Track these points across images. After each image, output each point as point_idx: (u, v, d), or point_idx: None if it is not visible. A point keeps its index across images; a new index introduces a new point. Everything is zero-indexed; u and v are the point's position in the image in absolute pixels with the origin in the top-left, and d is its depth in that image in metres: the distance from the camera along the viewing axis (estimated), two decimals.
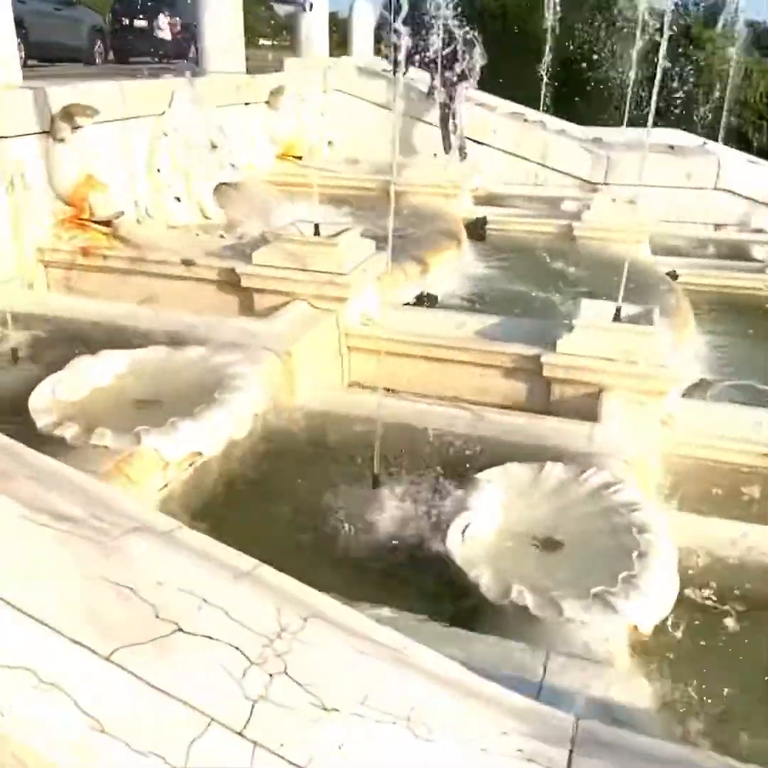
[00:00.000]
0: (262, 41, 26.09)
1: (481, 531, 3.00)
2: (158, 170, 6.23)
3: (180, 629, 1.48)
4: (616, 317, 4.30)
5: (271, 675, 1.44)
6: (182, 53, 14.50)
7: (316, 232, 4.74)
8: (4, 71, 4.92)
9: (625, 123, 10.08)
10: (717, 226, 10.67)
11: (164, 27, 13.42)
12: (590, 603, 2.61)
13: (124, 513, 1.75)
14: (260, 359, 3.84)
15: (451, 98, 9.76)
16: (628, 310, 4.37)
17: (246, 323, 4.25)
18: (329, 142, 10.06)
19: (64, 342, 4.00)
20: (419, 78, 11.77)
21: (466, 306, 5.45)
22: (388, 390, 4.82)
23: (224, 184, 6.78)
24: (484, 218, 7.89)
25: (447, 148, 10.16)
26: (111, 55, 15.23)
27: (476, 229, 7.78)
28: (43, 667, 1.37)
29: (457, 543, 2.91)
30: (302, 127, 9.01)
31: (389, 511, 3.21)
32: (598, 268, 6.85)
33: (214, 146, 6.64)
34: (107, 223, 5.12)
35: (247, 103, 8.05)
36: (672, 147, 13.27)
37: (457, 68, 9.54)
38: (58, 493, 1.71)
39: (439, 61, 9.55)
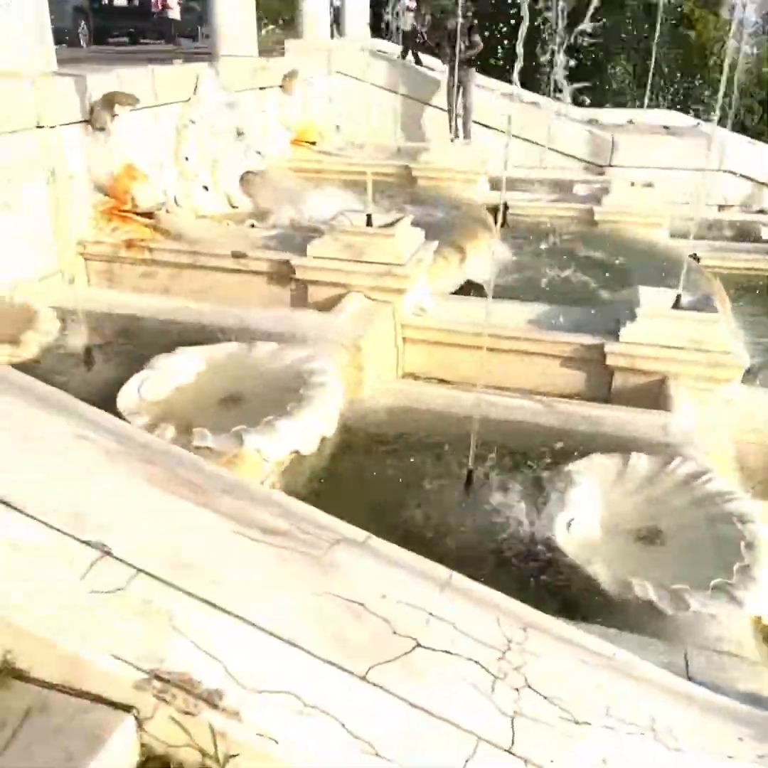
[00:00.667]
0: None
1: (585, 525, 3.02)
2: (186, 158, 6.11)
3: (419, 644, 1.47)
4: (677, 304, 4.32)
5: (516, 689, 1.43)
6: (185, 33, 14.33)
7: (369, 223, 4.69)
8: (41, 58, 4.77)
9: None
10: (721, 207, 10.78)
11: (174, 6, 13.13)
12: (712, 595, 2.64)
13: (319, 523, 1.73)
14: (333, 354, 3.80)
15: (461, 79, 9.65)
16: (687, 297, 4.39)
17: (310, 317, 4.20)
18: (337, 127, 9.93)
19: (128, 339, 3.93)
20: (425, 60, 11.66)
21: (508, 294, 5.42)
22: (442, 381, 4.85)
23: (249, 172, 6.66)
24: (506, 203, 7.85)
25: (454, 130, 10.11)
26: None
27: (498, 215, 7.75)
28: (304, 691, 1.34)
29: (566, 538, 2.92)
30: (312, 111, 8.89)
31: (486, 506, 3.21)
32: (624, 252, 6.90)
33: (239, 133, 6.52)
34: (148, 215, 5.02)
35: (262, 88, 7.91)
36: (667, 128, 13.36)
37: (466, 48, 9.44)
38: (254, 505, 1.68)
39: (448, 40, 9.44)
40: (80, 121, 4.81)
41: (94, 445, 1.73)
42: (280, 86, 8.24)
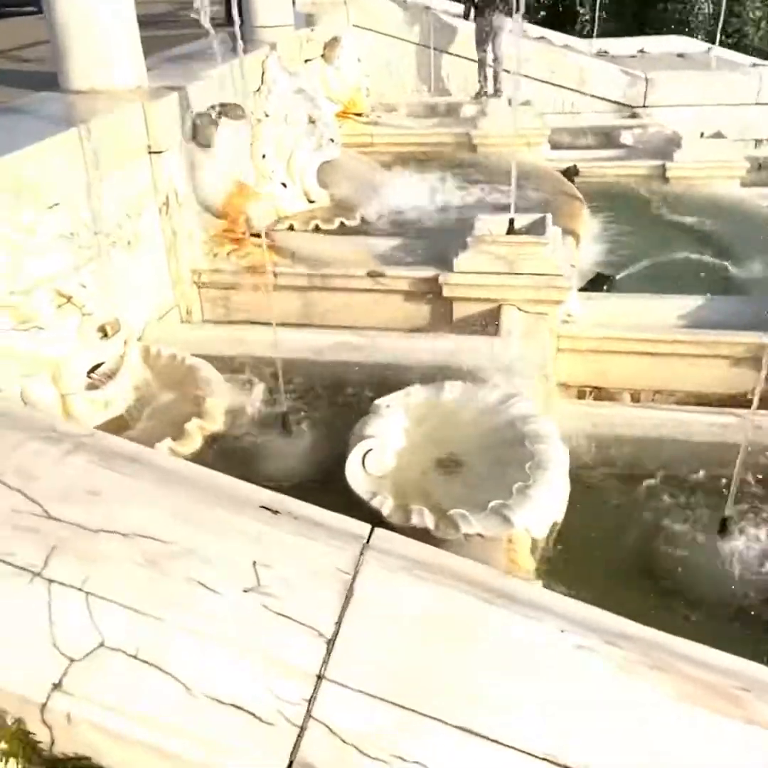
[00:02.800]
0: None
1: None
2: (263, 156, 5.68)
3: None
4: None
5: None
6: None
7: (511, 228, 4.39)
8: (133, 72, 4.31)
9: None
10: (758, 143, 10.54)
11: None
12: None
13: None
14: (525, 388, 3.58)
15: (493, 26, 9.10)
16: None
17: (480, 344, 3.93)
18: (366, 90, 9.39)
19: (303, 391, 3.64)
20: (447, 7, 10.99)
21: (635, 284, 5.19)
22: (595, 389, 4.66)
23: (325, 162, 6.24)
24: (575, 167, 7.53)
25: (484, 83, 9.63)
26: None
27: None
28: None
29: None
30: (350, 78, 8.36)
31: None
32: (717, 216, 6.67)
33: (311, 121, 6.07)
34: (259, 234, 4.66)
35: (307, 61, 7.39)
36: (682, 56, 12.95)
37: None
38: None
39: None
40: (184, 141, 4.40)
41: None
42: (322, 56, 7.71)
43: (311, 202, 6.20)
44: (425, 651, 1.35)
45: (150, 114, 4.00)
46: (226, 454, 3.26)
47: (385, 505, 2.80)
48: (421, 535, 2.75)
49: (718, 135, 8.25)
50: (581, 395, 4.57)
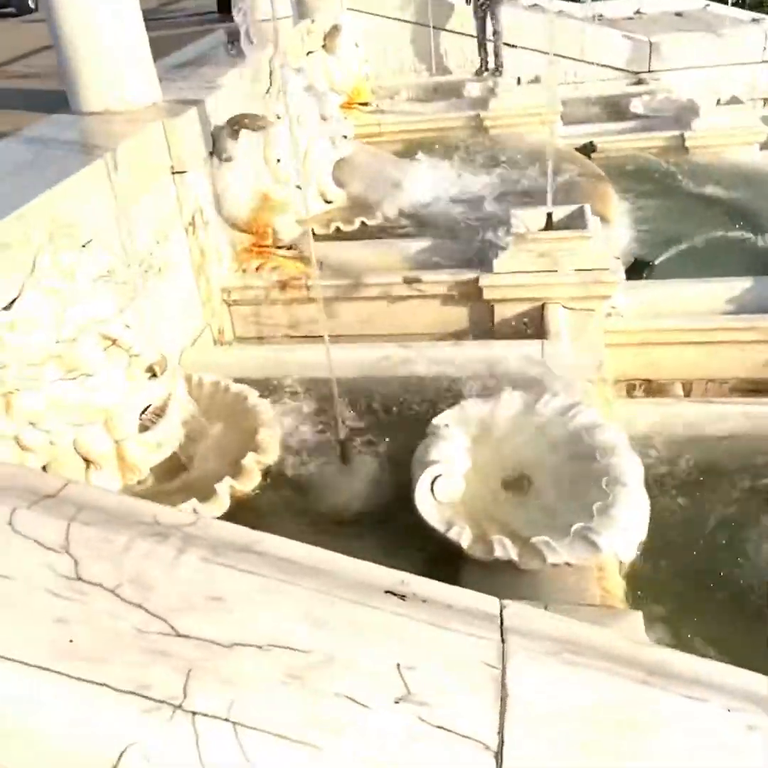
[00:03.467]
0: None
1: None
2: (278, 160, 5.52)
3: None
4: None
5: None
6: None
7: (549, 221, 4.25)
8: (148, 88, 4.15)
9: None
10: (766, 102, 10.34)
11: None
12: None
13: None
14: (582, 393, 3.47)
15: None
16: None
17: (528, 349, 3.82)
18: (366, 76, 9.16)
19: (349, 408, 3.53)
20: None
21: (672, 268, 5.04)
22: (645, 381, 4.54)
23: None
24: (592, 143, 7.35)
25: (484, 58, 9.41)
26: None
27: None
28: None
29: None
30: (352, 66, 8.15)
31: None
32: (744, 186, 6.50)
33: (323, 118, 5.89)
34: (289, 246, 4.53)
35: (309, 53, 7.19)
36: (679, 14, 12.65)
37: None
38: None
39: None
40: (206, 156, 4.26)
41: None
42: (322, 46, 7.50)
43: (328, 202, 6.04)
44: (595, 754, 1.26)
45: (171, 133, 3.85)
46: (285, 488, 3.17)
47: (464, 537, 2.71)
48: (504, 567, 2.66)
49: (734, 100, 8.07)
50: (630, 390, 4.46)
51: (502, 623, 1.51)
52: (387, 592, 1.51)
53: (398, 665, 1.34)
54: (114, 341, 2.94)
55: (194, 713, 1.20)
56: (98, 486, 1.65)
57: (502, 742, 1.25)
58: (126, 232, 3.48)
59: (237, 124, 4.17)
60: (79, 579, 1.37)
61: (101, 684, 1.22)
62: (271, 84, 5.70)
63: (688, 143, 7.29)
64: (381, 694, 1.30)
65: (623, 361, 4.38)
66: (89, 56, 3.89)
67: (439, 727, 1.26)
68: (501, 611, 1.55)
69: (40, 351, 2.72)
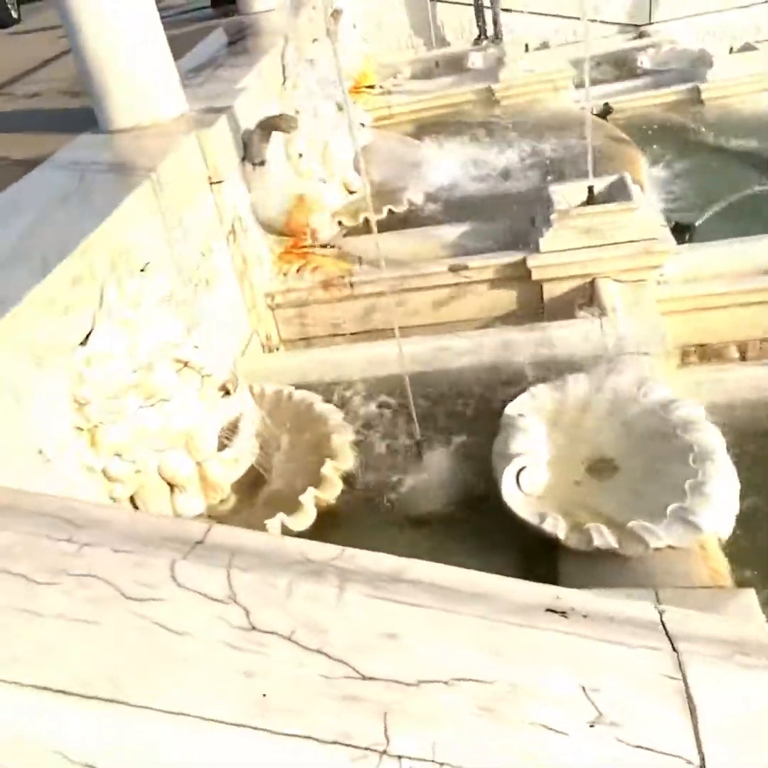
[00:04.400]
0: None
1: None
2: (300, 155, 5.46)
3: None
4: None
5: None
6: None
7: (591, 195, 4.20)
8: (175, 99, 4.10)
9: None
10: None
11: None
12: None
13: None
14: (649, 369, 3.44)
15: None
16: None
17: (586, 326, 3.78)
18: (368, 56, 9.04)
19: (416, 405, 3.51)
20: None
21: (716, 226, 4.97)
22: (698, 346, 4.50)
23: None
24: (607, 105, 7.24)
25: (483, 26, 9.27)
26: None
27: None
28: None
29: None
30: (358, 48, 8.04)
31: None
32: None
33: (339, 108, 5.82)
34: (327, 245, 4.49)
35: (314, 40, 7.08)
36: None
37: None
38: None
39: None
40: (238, 162, 4.22)
41: None
42: (326, 32, 7.38)
43: (351, 193, 5.99)
44: None
45: (205, 144, 3.80)
46: (366, 493, 3.17)
47: (559, 528, 2.71)
48: (605, 555, 2.66)
49: (747, 47, 7.92)
50: (685, 356, 4.42)
51: (665, 630, 1.51)
52: (547, 610, 1.51)
53: (583, 688, 1.34)
54: (186, 364, 2.94)
55: (400, 757, 1.20)
56: (243, 530, 1.65)
57: (702, 757, 1.25)
58: (177, 250, 3.46)
59: (269, 127, 4.11)
60: (254, 629, 1.37)
61: (305, 737, 1.22)
62: (285, 78, 5.64)
63: (704, 95, 7.18)
64: (574, 719, 1.29)
65: (676, 328, 4.32)
66: (116, 73, 3.83)
67: (638, 747, 1.26)
68: (661, 616, 1.55)
69: (119, 382, 2.72)
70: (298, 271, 4.45)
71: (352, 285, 4.36)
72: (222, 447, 3.10)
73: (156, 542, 1.55)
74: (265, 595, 1.43)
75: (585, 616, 1.52)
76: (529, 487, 2.92)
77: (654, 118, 7.02)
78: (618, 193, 4.17)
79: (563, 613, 1.51)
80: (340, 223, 5.55)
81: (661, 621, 1.55)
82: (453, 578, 1.58)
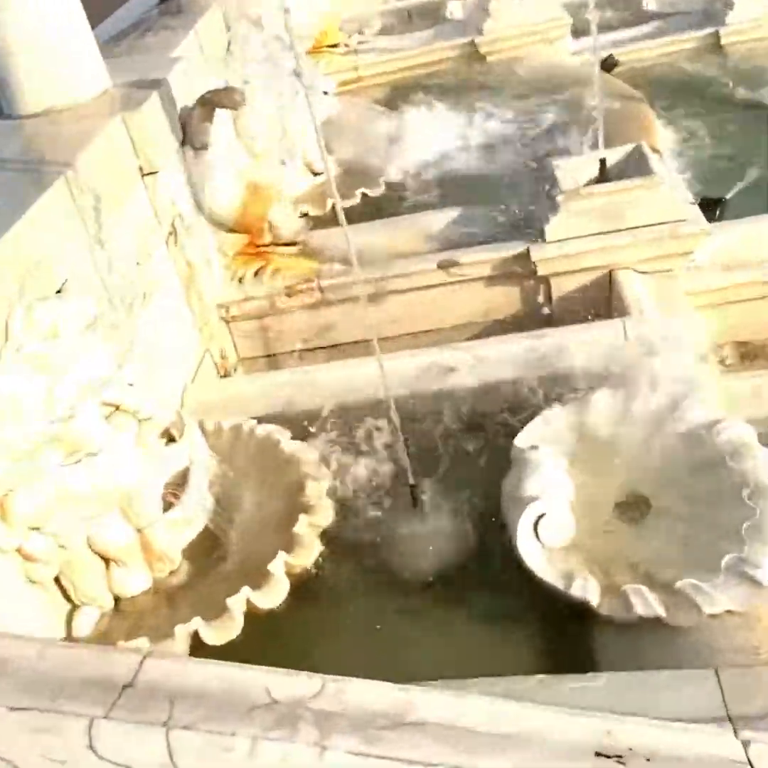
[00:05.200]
0: None
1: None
2: (252, 138, 5.22)
3: None
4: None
5: None
6: None
7: (603, 170, 4.00)
8: (95, 75, 3.84)
9: None
10: None
11: None
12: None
13: None
14: (687, 380, 3.25)
15: None
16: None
17: (606, 330, 3.58)
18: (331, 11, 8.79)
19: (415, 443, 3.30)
20: None
21: (749, 200, 4.80)
22: (740, 345, 4.33)
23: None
24: (612, 56, 7.05)
25: None
26: None
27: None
28: None
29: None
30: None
31: None
32: None
33: (297, 74, 5.58)
34: (293, 243, 4.27)
35: None
36: None
37: None
38: None
39: None
40: (176, 147, 3.97)
41: None
42: None
43: (316, 175, 5.76)
44: None
45: (133, 127, 3.55)
46: (350, 554, 2.94)
47: (590, 592, 2.50)
48: (649, 623, 2.46)
49: None
50: (721, 360, 4.25)
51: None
52: (597, 754, 1.30)
53: None
54: (118, 407, 2.71)
55: None
56: (185, 661, 1.42)
57: None
58: (102, 260, 3.22)
59: (211, 103, 3.87)
60: None
61: None
62: (229, 43, 5.41)
63: (724, 41, 7.03)
64: None
65: (710, 324, 4.17)
66: (23, 44, 3.57)
67: None
68: (746, 751, 1.35)
69: (32, 435, 2.49)
70: (256, 274, 4.21)
71: (321, 289, 4.14)
72: (168, 507, 2.87)
73: (72, 688, 1.32)
74: (218, 763, 1.21)
75: (648, 760, 1.31)
76: (549, 538, 2.71)
77: (667, 70, 6.86)
78: (635, 166, 3.98)
79: (619, 759, 1.30)
80: (304, 214, 5.32)
81: (748, 759, 1.35)
82: (471, 715, 1.36)
